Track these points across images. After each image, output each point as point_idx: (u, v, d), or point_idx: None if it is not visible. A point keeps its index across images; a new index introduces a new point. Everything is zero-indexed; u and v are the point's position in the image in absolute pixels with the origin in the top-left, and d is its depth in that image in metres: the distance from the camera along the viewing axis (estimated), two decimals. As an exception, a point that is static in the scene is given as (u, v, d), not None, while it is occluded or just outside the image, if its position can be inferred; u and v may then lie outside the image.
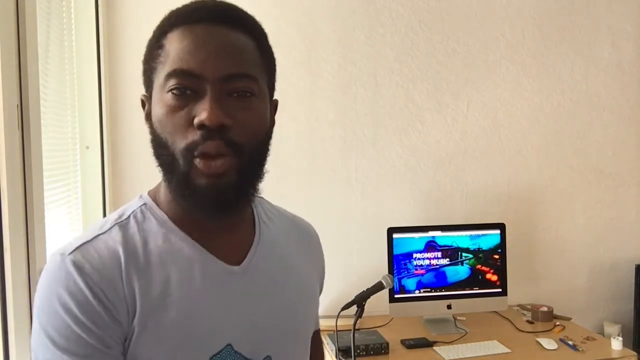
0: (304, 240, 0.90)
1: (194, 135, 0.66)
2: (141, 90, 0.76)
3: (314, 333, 0.94)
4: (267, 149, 0.75)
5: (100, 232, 0.71)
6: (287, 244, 0.85)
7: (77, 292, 0.64)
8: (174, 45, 0.68)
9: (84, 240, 0.69)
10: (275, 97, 0.79)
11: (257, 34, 0.73)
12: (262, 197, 0.87)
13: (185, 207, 0.72)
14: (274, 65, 0.77)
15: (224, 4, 0.72)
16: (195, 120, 0.66)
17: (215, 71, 0.66)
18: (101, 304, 0.65)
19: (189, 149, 0.66)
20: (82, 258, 0.66)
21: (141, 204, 0.75)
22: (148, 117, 0.73)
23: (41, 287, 0.67)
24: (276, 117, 0.79)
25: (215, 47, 0.67)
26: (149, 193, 0.77)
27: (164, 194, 0.74)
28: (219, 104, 0.66)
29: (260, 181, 0.74)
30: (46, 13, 1.59)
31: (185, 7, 0.71)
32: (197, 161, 0.67)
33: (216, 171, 0.67)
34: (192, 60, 0.66)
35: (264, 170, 0.74)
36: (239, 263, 0.75)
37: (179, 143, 0.67)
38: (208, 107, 0.65)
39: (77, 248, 0.68)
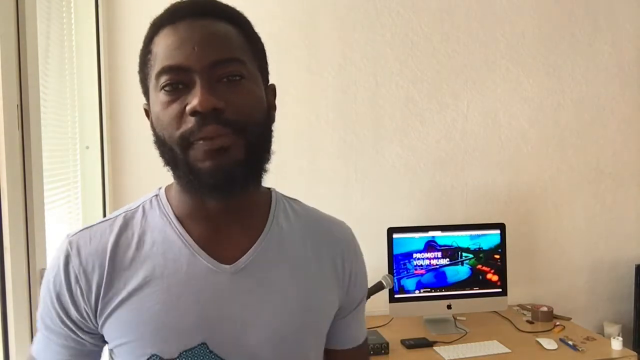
0: (323, 245, 0.83)
1: (188, 124, 0.67)
2: (140, 90, 0.76)
3: (352, 350, 0.89)
4: (270, 131, 0.75)
5: (106, 219, 0.77)
6: (301, 247, 0.80)
7: (58, 274, 0.72)
8: (160, 47, 0.69)
9: (89, 225, 0.76)
10: (275, 96, 0.79)
11: (240, 22, 0.73)
12: (293, 198, 0.87)
13: (192, 201, 0.74)
14: (263, 50, 0.77)
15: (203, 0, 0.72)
16: (188, 108, 0.66)
17: (201, 60, 0.67)
18: (70, 291, 0.71)
19: (184, 137, 0.67)
20: (75, 242, 0.73)
21: (154, 195, 0.79)
22: (152, 123, 0.74)
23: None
24: (276, 116, 0.78)
25: (198, 38, 0.68)
26: (166, 186, 0.80)
27: (174, 187, 0.77)
28: (209, 89, 0.66)
29: (268, 163, 0.74)
30: (46, 13, 1.59)
31: (166, 10, 0.72)
32: (195, 145, 0.67)
33: (216, 146, 0.66)
34: (178, 55, 0.67)
35: (271, 153, 0.74)
36: (234, 262, 0.74)
37: (174, 134, 0.68)
38: (199, 94, 0.65)
39: (79, 231, 0.75)
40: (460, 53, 2.41)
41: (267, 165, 0.74)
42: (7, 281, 1.18)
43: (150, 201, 0.78)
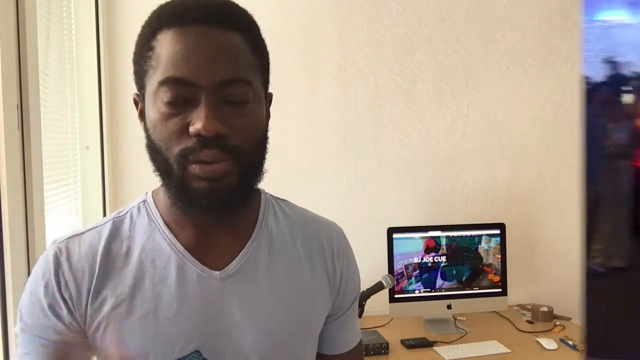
0: (314, 246, 0.82)
1: (188, 142, 0.65)
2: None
3: (344, 355, 0.87)
4: (265, 148, 0.74)
5: (94, 226, 0.75)
6: (291, 249, 0.80)
7: (50, 281, 0.70)
8: (165, 50, 0.66)
9: (77, 232, 0.74)
10: (276, 96, 0.79)
11: (249, 29, 0.70)
12: (282, 199, 0.86)
13: (180, 208, 0.71)
14: (268, 59, 0.75)
15: (214, 1, 0.69)
16: (191, 129, 0.65)
17: (209, 78, 0.64)
18: (61, 296, 0.69)
19: (183, 155, 0.66)
20: (64, 249, 0.71)
21: (142, 200, 0.77)
22: (141, 115, 0.73)
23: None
24: (276, 116, 0.78)
25: (208, 52, 0.65)
26: (153, 191, 0.78)
27: (162, 193, 0.75)
28: (215, 112, 0.64)
29: (260, 181, 0.73)
30: (46, 13, 1.59)
31: (174, 4, 0.69)
32: (192, 167, 0.66)
33: (214, 175, 0.66)
34: (185, 67, 0.64)
35: (264, 170, 0.73)
36: (224, 267, 0.73)
37: (173, 149, 0.66)
38: (204, 116, 0.64)
39: (67, 238, 0.73)
40: (460, 53, 2.41)
41: (259, 183, 0.73)
42: (7, 281, 1.18)
43: (138, 207, 0.76)
